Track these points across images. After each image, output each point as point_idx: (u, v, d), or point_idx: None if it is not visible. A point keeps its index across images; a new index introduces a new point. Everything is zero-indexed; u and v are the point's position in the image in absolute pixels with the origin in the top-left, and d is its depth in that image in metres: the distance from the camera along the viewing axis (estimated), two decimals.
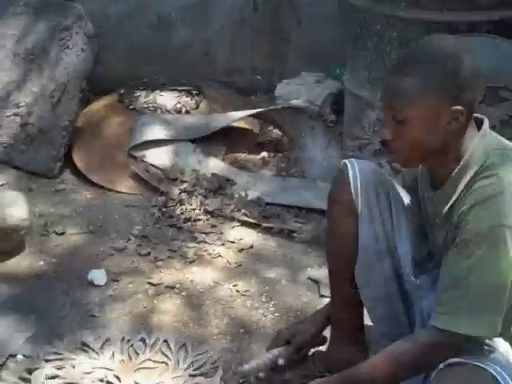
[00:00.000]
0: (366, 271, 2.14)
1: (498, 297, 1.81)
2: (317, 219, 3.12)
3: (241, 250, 2.98)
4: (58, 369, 2.33)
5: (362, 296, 2.17)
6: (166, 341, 2.46)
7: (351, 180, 2.11)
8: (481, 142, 1.87)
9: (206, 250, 2.96)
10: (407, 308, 2.16)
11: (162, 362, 2.38)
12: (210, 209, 3.19)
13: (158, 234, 3.04)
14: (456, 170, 1.88)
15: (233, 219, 3.15)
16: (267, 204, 3.23)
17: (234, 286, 2.76)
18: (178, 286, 2.75)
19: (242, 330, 2.55)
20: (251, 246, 3.00)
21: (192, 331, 2.54)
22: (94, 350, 2.41)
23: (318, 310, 2.39)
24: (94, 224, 3.09)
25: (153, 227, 3.08)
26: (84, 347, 2.42)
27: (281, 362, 2.25)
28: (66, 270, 2.82)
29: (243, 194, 3.26)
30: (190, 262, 2.89)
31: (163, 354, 2.41)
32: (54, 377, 2.29)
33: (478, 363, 1.83)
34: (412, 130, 1.84)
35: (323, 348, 2.36)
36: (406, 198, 2.12)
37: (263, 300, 2.70)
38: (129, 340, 2.46)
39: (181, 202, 3.22)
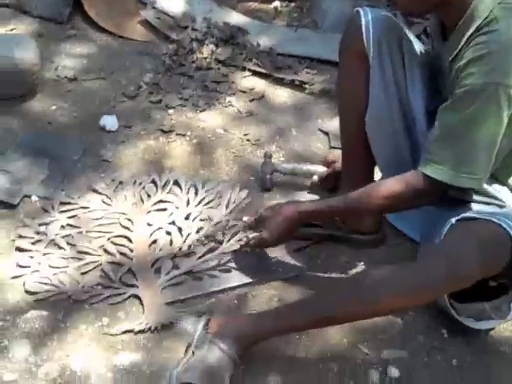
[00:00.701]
0: (376, 121, 2.15)
1: (485, 152, 1.84)
2: (328, 71, 3.10)
3: (252, 100, 2.97)
4: (71, 217, 2.38)
5: (371, 146, 2.19)
6: (176, 182, 2.51)
7: (363, 28, 2.09)
8: None
9: (217, 99, 2.96)
10: (415, 160, 2.18)
11: (173, 202, 2.45)
12: (222, 58, 3.16)
13: (169, 82, 3.03)
14: (460, 22, 1.86)
15: (244, 69, 3.13)
16: (279, 54, 3.20)
17: (245, 135, 2.78)
18: (188, 133, 2.77)
19: (251, 178, 2.59)
20: (262, 96, 3.00)
21: (202, 177, 2.58)
22: (106, 195, 2.46)
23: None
24: (106, 70, 3.08)
25: (164, 75, 3.07)
26: (96, 192, 2.47)
27: (314, 178, 2.44)
28: (79, 116, 2.83)
29: (255, 44, 3.23)
30: (201, 111, 2.90)
31: (174, 194, 2.48)
32: (68, 225, 2.35)
33: (490, 218, 1.87)
34: None
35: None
36: (419, 48, 2.10)
37: (273, 149, 2.72)
38: (140, 183, 2.52)
39: (192, 51, 3.19)
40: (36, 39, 3.09)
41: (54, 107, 2.87)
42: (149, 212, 2.42)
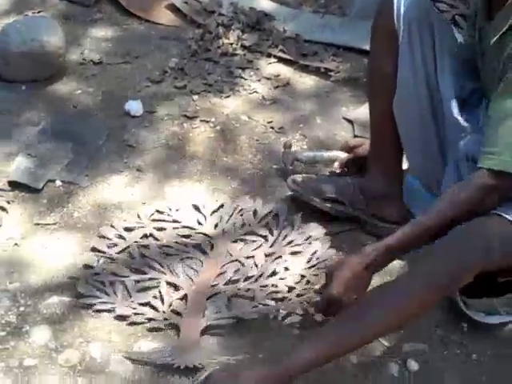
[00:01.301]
0: (404, 103, 2.15)
1: None
2: (355, 58, 3.08)
3: (276, 87, 2.96)
4: (159, 229, 2.30)
5: (399, 129, 2.18)
6: (276, 215, 2.37)
7: (395, 6, 2.08)
8: None
9: (241, 86, 2.95)
10: (442, 146, 2.16)
11: (263, 237, 2.31)
12: (248, 44, 3.15)
13: (194, 68, 3.02)
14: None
15: (270, 55, 3.11)
16: (305, 41, 3.18)
17: (269, 122, 2.77)
18: (212, 119, 2.77)
19: (274, 166, 2.59)
20: (287, 83, 2.98)
21: (225, 165, 2.58)
22: (203, 214, 2.37)
23: None
24: (131, 55, 3.07)
25: (189, 60, 3.06)
26: (196, 209, 2.39)
27: (336, 164, 2.36)
28: (103, 100, 2.84)
29: (281, 30, 3.21)
30: (226, 97, 2.89)
31: (268, 228, 2.34)
32: (151, 236, 2.28)
33: (499, 212, 1.82)
34: None
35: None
36: (451, 34, 2.08)
37: (297, 137, 2.72)
38: (241, 209, 2.39)
39: (218, 36, 3.17)
40: (62, 22, 3.11)
41: (79, 91, 2.88)
42: (234, 242, 2.30)
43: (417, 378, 1.95)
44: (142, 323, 2.03)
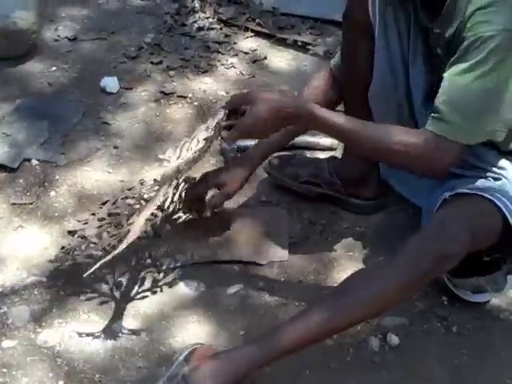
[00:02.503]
0: (380, 96, 2.10)
1: (496, 103, 1.77)
2: (333, 31, 3.06)
3: (254, 61, 2.94)
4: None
5: (375, 120, 2.15)
6: None
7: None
8: None
9: (219, 61, 2.93)
10: None
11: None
12: (224, 18, 3.12)
13: (170, 43, 3.00)
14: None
15: (247, 29, 3.09)
16: (282, 14, 3.16)
17: None
18: (190, 95, 2.74)
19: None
20: (265, 58, 2.96)
21: None
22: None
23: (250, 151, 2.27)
24: (106, 30, 3.03)
25: (165, 35, 3.03)
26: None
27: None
28: (79, 77, 2.80)
29: (258, 3, 3.18)
30: (203, 72, 2.87)
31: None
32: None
33: (482, 193, 1.84)
34: None
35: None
36: (424, 20, 2.05)
37: None
38: None
39: (194, 10, 3.14)
40: None
41: (53, 68, 2.84)
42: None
43: (397, 352, 1.95)
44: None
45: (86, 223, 2.20)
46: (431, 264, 1.72)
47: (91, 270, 1.83)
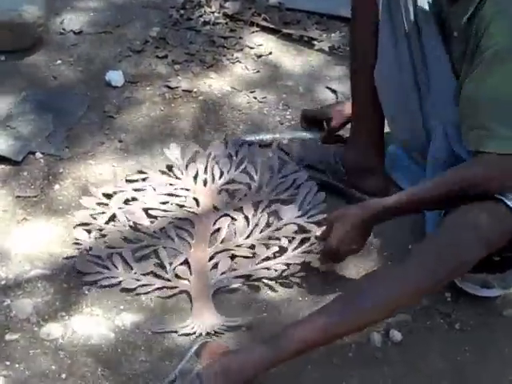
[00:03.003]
0: (385, 75, 2.11)
1: None
2: (338, 27, 3.05)
3: (259, 56, 2.93)
4: (138, 190, 2.30)
5: (381, 101, 2.16)
6: (252, 161, 2.38)
7: None
8: None
9: (224, 55, 2.92)
10: (425, 118, 2.13)
11: (245, 184, 2.33)
12: (230, 12, 3.11)
13: (175, 37, 2.99)
14: None
15: (252, 24, 3.07)
16: (288, 9, 3.14)
17: (252, 92, 2.75)
18: (195, 90, 2.74)
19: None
20: (270, 53, 2.95)
21: (208, 136, 2.56)
22: (178, 168, 2.38)
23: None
24: (112, 24, 3.03)
25: (171, 30, 3.02)
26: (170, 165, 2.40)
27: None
28: (84, 70, 2.80)
29: None
30: (208, 67, 2.86)
31: (248, 174, 2.36)
32: (133, 199, 2.26)
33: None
34: None
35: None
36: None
37: (280, 107, 2.69)
38: (215, 157, 2.40)
39: (200, 4, 3.13)
40: None
41: (59, 61, 2.83)
42: (218, 193, 2.30)
43: (400, 349, 1.95)
44: (148, 293, 2.02)
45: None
46: (446, 271, 1.73)
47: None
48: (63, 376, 1.83)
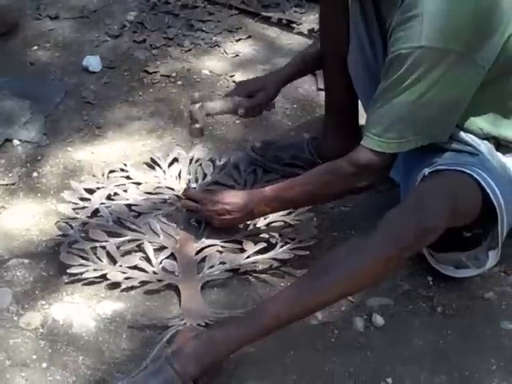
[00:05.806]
0: (357, 62, 2.11)
1: (418, 114, 1.81)
2: (317, 10, 3.03)
3: (238, 40, 2.92)
4: (119, 185, 2.27)
5: (354, 84, 2.16)
6: (236, 165, 2.37)
7: None
8: None
9: (202, 39, 2.90)
10: None
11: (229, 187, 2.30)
12: None
13: (153, 21, 2.97)
14: None
15: (231, 7, 3.06)
16: None
17: (231, 76, 2.73)
18: (173, 74, 2.72)
19: (238, 121, 2.56)
20: (249, 36, 2.94)
21: (187, 120, 2.53)
22: (161, 168, 2.36)
23: (279, 69, 2.36)
24: (89, 9, 3.00)
25: (148, 14, 3.00)
26: (153, 162, 2.38)
27: (241, 111, 2.20)
28: (61, 56, 2.78)
29: None
30: (187, 51, 2.84)
31: (232, 177, 2.33)
32: (115, 195, 2.24)
33: (461, 168, 1.84)
34: None
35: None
36: None
37: None
38: (198, 160, 2.39)
39: None
40: None
41: (35, 47, 2.81)
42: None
43: (382, 333, 1.95)
44: (135, 287, 1.99)
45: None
46: (411, 237, 1.72)
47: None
48: (44, 365, 1.81)
